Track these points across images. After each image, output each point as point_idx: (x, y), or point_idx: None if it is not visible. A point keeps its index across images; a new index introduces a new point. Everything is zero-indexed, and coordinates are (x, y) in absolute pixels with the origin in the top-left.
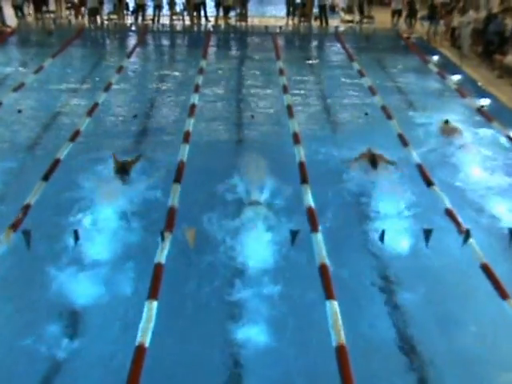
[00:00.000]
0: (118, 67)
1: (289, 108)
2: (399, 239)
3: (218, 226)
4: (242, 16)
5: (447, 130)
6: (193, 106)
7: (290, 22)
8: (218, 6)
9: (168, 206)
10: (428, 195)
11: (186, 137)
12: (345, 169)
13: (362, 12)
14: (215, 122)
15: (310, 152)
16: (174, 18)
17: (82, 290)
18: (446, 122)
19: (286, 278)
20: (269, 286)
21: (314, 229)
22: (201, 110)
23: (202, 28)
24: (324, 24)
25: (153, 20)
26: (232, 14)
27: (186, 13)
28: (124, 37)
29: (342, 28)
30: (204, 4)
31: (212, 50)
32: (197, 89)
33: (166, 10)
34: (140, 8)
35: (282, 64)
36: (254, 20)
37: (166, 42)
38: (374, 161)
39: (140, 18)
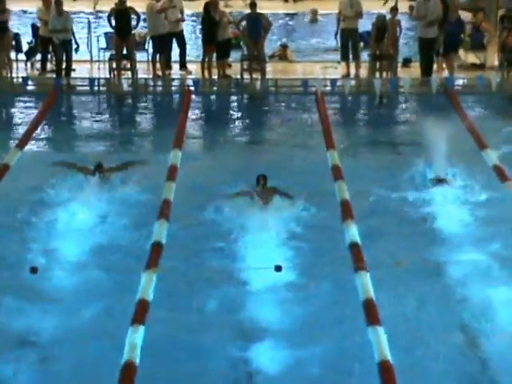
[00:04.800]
0: None
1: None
2: None
3: None
4: (256, 59)
5: None
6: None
7: (353, 71)
8: (207, 41)
9: None
10: None
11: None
12: None
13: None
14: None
15: None
16: (111, 64)
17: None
18: None
19: None
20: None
21: None
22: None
23: (175, 84)
24: (424, 73)
25: (57, 70)
26: (234, 55)
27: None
28: (8, 102)
29: (460, 80)
30: (181, 38)
31: (194, 129)
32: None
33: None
34: (43, 46)
35: (338, 157)
36: (278, 67)
37: (96, 114)
38: None
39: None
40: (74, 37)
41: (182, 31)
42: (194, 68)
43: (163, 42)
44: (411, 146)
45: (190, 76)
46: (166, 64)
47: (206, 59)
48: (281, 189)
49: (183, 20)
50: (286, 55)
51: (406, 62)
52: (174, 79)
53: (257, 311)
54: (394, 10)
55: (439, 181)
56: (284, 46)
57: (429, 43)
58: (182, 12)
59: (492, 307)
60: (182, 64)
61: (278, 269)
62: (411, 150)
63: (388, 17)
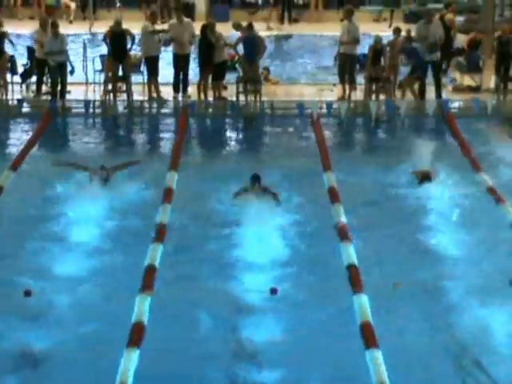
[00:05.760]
0: None
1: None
2: None
3: None
4: (251, 81)
5: None
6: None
7: (350, 94)
8: (204, 64)
9: None
10: None
11: None
12: None
13: None
14: None
15: None
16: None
17: None
18: None
19: None
20: None
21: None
22: None
23: (170, 106)
24: (419, 95)
25: (52, 93)
26: (231, 76)
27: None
28: (3, 124)
29: (456, 103)
30: (187, 61)
31: (190, 152)
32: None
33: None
34: (39, 69)
35: (335, 179)
36: (275, 89)
37: (90, 136)
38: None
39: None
40: (69, 59)
41: (188, 55)
42: (189, 90)
43: (156, 64)
44: (407, 168)
45: (188, 99)
46: (177, 88)
47: (202, 81)
48: (270, 187)
49: (191, 43)
50: (267, 79)
51: (402, 85)
52: (169, 101)
53: (252, 332)
54: (398, 31)
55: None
56: (266, 70)
57: (432, 66)
58: (193, 36)
59: (489, 329)
60: (185, 89)
61: (274, 292)
62: (407, 172)
63: (389, 38)
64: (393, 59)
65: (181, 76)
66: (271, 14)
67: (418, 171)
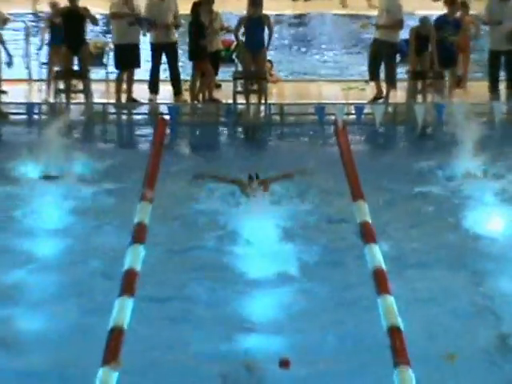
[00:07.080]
0: None
1: None
2: None
3: None
4: (254, 77)
5: None
6: None
7: (389, 94)
8: (197, 54)
9: None
10: None
11: None
12: None
13: None
14: None
15: None
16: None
17: None
18: None
19: None
20: None
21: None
22: None
23: (143, 112)
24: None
25: None
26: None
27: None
28: None
29: None
30: (173, 52)
31: (169, 174)
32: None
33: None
34: None
35: (369, 211)
36: (286, 86)
37: (35, 150)
38: None
39: None
40: (6, 48)
41: (175, 43)
42: (168, 89)
43: (129, 53)
44: (464, 195)
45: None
46: (154, 87)
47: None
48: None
49: (177, 27)
50: (270, 75)
51: (460, 81)
52: (142, 104)
53: None
54: (465, 6)
55: None
56: (268, 62)
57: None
58: (176, 17)
59: None
60: (177, 90)
61: (285, 364)
62: (466, 200)
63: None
64: (463, 43)
65: (160, 71)
66: None
67: None
